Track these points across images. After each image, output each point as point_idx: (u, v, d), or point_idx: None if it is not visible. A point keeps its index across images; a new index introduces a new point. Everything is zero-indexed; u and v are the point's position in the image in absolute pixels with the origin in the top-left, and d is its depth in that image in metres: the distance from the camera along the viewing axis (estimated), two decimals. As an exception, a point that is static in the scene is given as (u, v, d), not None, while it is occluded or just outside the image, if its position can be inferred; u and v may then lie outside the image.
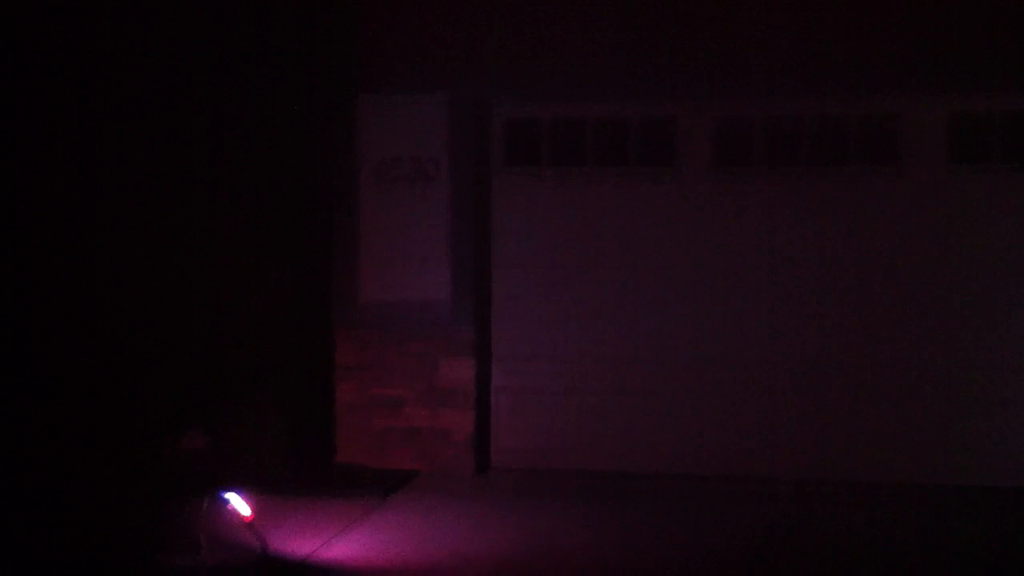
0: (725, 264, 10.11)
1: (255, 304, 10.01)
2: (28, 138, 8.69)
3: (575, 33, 10.03)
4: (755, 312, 10.05)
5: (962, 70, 9.53)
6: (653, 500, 9.59)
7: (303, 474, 9.88)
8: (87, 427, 9.05)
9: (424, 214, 10.25)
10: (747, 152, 10.08)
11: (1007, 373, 9.70)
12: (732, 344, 10.08)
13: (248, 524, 8.05)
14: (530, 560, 8.25)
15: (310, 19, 10.17)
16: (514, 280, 10.37)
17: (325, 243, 10.36)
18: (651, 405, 10.18)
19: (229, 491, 8.17)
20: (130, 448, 9.28)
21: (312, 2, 10.18)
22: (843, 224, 9.94)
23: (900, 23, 9.61)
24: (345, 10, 10.23)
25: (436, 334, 10.24)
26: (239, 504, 8.06)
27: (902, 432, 9.84)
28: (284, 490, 9.35)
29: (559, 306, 10.32)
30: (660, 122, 10.17)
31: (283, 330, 10.09)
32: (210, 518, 8.16)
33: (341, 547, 8.41)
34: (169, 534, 8.21)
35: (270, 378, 9.97)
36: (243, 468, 9.44)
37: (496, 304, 10.40)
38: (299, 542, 8.41)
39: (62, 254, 8.84)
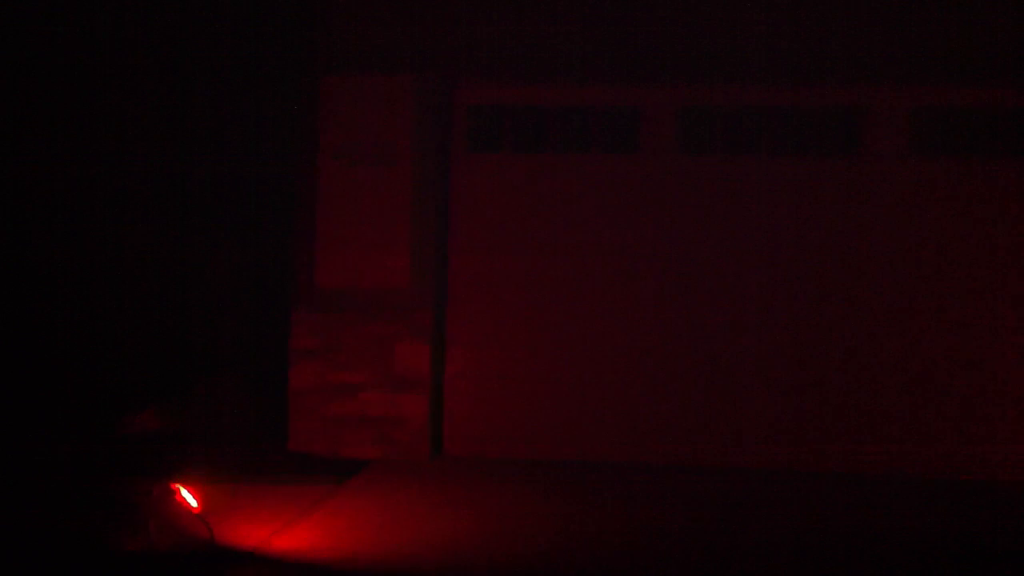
0: (687, 252, 10.09)
1: (210, 288, 9.95)
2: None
3: (540, 20, 9.98)
4: (717, 301, 10.05)
5: (924, 63, 9.55)
6: (604, 489, 9.57)
7: (256, 459, 9.83)
8: (35, 408, 8.98)
9: (385, 198, 10.18)
10: (710, 140, 10.07)
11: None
12: (693, 332, 10.07)
13: (197, 512, 8.00)
14: (482, 546, 8.22)
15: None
16: (473, 266, 10.31)
17: (284, 227, 10.28)
18: (609, 393, 10.16)
19: (180, 477, 8.13)
20: (81, 429, 9.22)
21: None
22: (803, 213, 9.95)
23: (863, 17, 9.62)
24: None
25: (394, 319, 10.18)
26: (187, 494, 8.01)
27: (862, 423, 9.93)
28: (236, 476, 9.29)
29: (518, 292, 10.28)
30: (624, 109, 10.13)
31: (238, 315, 10.04)
32: (160, 503, 8.11)
33: (293, 535, 8.33)
34: (119, 517, 8.15)
35: (224, 363, 9.92)
36: (194, 452, 9.41)
37: (453, 290, 10.33)
38: (249, 530, 8.33)
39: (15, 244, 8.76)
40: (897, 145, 9.85)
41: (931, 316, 9.84)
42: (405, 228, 10.17)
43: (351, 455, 10.13)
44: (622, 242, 10.15)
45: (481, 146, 10.33)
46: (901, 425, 9.84)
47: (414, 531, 8.47)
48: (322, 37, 10.15)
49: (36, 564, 7.59)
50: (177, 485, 8.03)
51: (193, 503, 7.99)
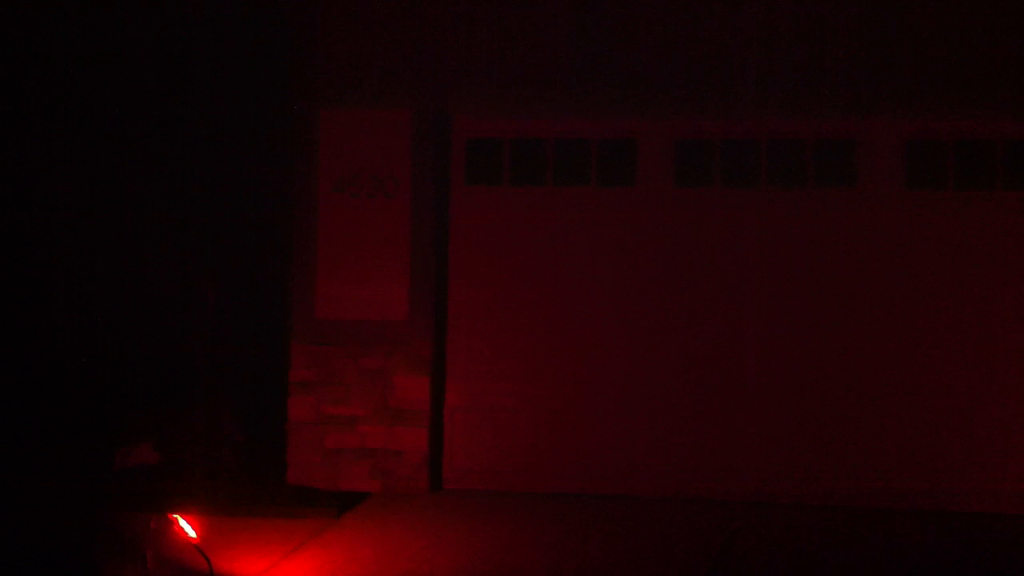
0: (685, 283, 10.08)
1: (210, 320, 9.95)
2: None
3: (536, 53, 10.02)
4: (716, 332, 10.02)
5: (917, 94, 9.61)
6: (606, 522, 9.52)
7: (253, 492, 9.78)
8: (32, 440, 8.96)
9: (383, 231, 10.18)
10: (706, 172, 10.08)
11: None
12: (692, 363, 10.04)
13: (195, 544, 7.96)
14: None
15: (270, 33, 10.12)
16: (471, 298, 10.30)
17: (282, 259, 10.29)
18: (608, 425, 10.12)
19: (178, 509, 8.09)
20: (81, 460, 9.19)
21: (273, 17, 10.13)
22: (801, 243, 9.95)
23: (861, 48, 9.69)
24: (308, 26, 10.17)
25: (392, 351, 10.16)
26: (186, 524, 7.97)
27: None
28: (233, 508, 9.25)
29: (516, 324, 10.26)
30: (620, 141, 10.15)
31: (237, 346, 10.03)
32: (158, 535, 8.08)
33: (291, 567, 8.31)
34: (117, 550, 8.12)
35: (222, 395, 9.90)
36: (192, 485, 9.37)
37: (452, 321, 10.32)
38: (248, 562, 8.31)
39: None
40: (894, 175, 9.87)
41: (933, 347, 9.83)
42: (404, 260, 10.17)
43: (350, 487, 10.08)
44: (621, 273, 10.15)
45: (480, 179, 10.34)
46: (901, 459, 9.84)
47: (412, 564, 8.44)
48: (321, 70, 10.17)
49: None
50: (175, 516, 7.99)
51: (192, 534, 7.95)
